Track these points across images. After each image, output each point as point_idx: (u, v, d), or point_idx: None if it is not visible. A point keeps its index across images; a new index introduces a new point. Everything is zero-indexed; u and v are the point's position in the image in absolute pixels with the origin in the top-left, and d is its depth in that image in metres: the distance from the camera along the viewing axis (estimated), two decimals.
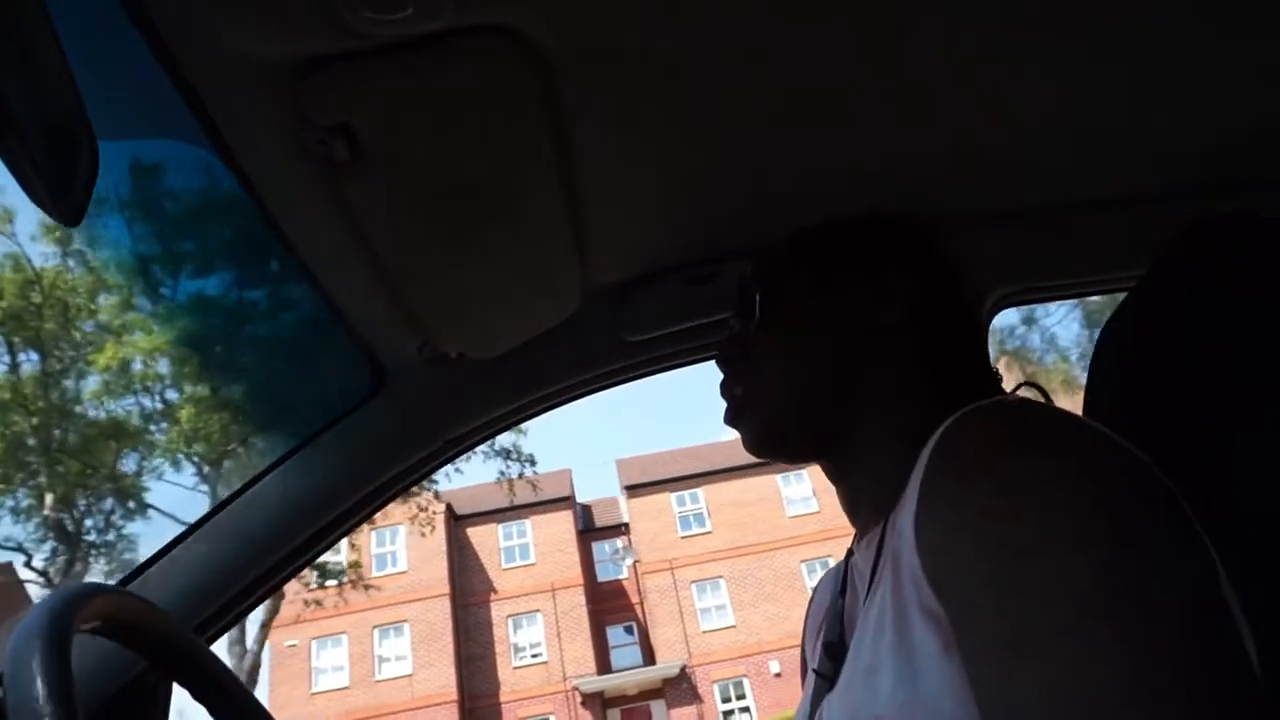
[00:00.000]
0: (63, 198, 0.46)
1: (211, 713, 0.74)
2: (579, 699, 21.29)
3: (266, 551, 1.00)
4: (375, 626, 21.14)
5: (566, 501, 23.64)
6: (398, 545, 21.47)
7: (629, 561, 22.37)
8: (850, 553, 0.72)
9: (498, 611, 22.41)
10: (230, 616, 1.01)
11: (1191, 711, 0.39)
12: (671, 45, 0.70)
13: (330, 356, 1.09)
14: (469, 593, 22.37)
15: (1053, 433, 0.49)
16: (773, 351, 0.73)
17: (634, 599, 23.84)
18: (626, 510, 24.96)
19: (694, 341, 1.10)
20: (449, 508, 19.00)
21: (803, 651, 0.81)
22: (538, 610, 22.39)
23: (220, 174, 0.72)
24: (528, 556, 23.09)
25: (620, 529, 24.86)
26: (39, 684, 0.48)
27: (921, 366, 0.69)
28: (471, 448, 1.15)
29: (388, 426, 1.05)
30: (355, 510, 1.07)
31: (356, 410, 1.04)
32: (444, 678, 20.80)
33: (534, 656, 21.97)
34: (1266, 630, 0.45)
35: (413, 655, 21.18)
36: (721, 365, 0.77)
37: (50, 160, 0.44)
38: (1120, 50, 0.80)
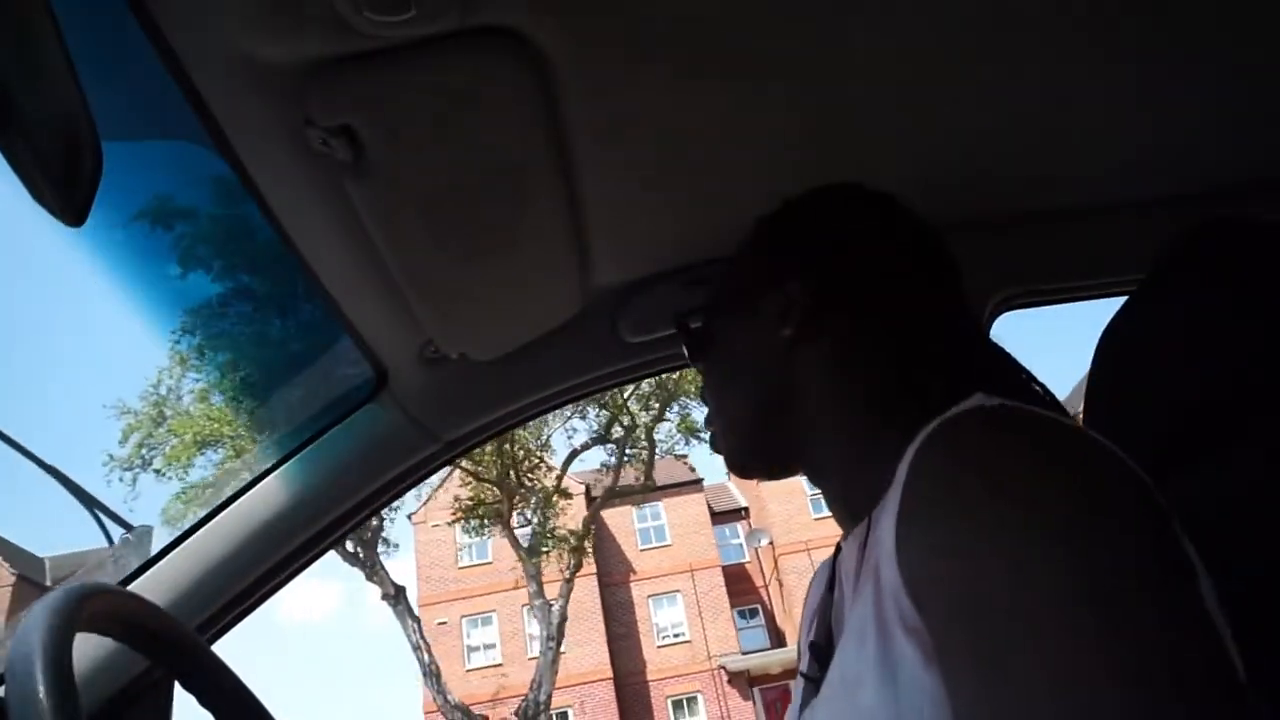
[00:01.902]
0: (66, 198, 0.46)
1: (213, 713, 0.74)
2: (725, 677, 21.53)
3: (268, 551, 1.00)
4: (524, 605, 21.05)
5: (698, 485, 23.80)
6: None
7: (764, 543, 22.46)
8: (839, 548, 0.71)
9: (638, 592, 22.68)
10: (231, 616, 1.01)
11: None
12: (673, 48, 0.70)
13: (331, 357, 1.09)
14: (608, 573, 22.53)
15: (1033, 440, 0.49)
16: (713, 390, 0.77)
17: (758, 581, 24.17)
18: (741, 495, 25.38)
19: None
20: (587, 489, 19.20)
21: (799, 646, 0.80)
22: (677, 591, 22.58)
23: (223, 174, 0.72)
24: (663, 538, 23.27)
25: (739, 513, 25.40)
26: (41, 682, 0.49)
27: (842, 371, 0.67)
28: (472, 449, 1.15)
29: (389, 427, 1.05)
30: (357, 511, 1.08)
31: (358, 411, 1.04)
32: (597, 656, 21.13)
33: (676, 636, 22.24)
34: (1242, 642, 0.45)
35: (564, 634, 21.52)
36: (703, 402, 0.80)
37: (54, 160, 0.44)
38: (1121, 55, 0.80)
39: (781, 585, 22.81)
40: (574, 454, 14.77)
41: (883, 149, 0.88)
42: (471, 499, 14.31)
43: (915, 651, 0.48)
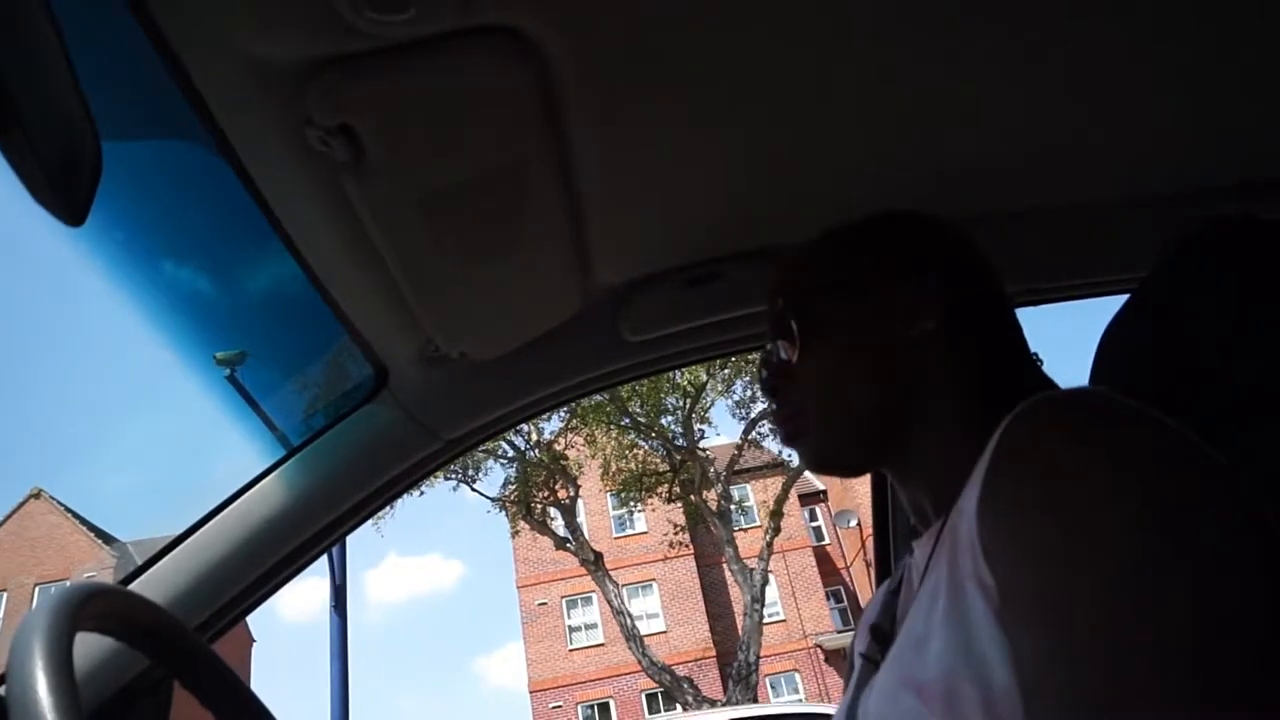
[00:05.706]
0: (66, 197, 0.46)
1: (213, 712, 0.74)
2: (822, 656, 21.79)
3: (268, 551, 1.00)
4: (624, 585, 21.57)
5: (781, 468, 23.54)
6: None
7: (853, 524, 22.54)
8: (911, 550, 0.72)
9: (730, 572, 22.84)
10: (231, 616, 1.01)
11: (1232, 694, 0.40)
12: (674, 48, 0.70)
13: (331, 356, 1.09)
14: (700, 554, 22.49)
15: (1115, 420, 0.51)
16: (817, 375, 0.71)
17: (839, 564, 24.51)
18: (816, 479, 25.63)
19: (695, 342, 1.10)
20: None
21: (850, 652, 0.81)
22: (770, 570, 22.68)
23: (223, 173, 0.72)
24: (753, 519, 23.12)
25: (817, 496, 25.94)
26: (41, 682, 0.49)
27: (969, 366, 0.67)
28: (473, 448, 1.15)
29: (389, 426, 1.05)
30: (356, 510, 1.08)
31: (358, 410, 1.04)
32: (698, 634, 21.45)
33: (770, 615, 22.20)
34: None
35: (664, 613, 22.01)
36: (767, 394, 0.75)
37: (54, 159, 0.44)
38: (1123, 54, 0.80)
39: (868, 566, 22.88)
40: (752, 423, 14.19)
41: (884, 149, 0.88)
42: (632, 470, 14.25)
43: (984, 605, 0.51)
